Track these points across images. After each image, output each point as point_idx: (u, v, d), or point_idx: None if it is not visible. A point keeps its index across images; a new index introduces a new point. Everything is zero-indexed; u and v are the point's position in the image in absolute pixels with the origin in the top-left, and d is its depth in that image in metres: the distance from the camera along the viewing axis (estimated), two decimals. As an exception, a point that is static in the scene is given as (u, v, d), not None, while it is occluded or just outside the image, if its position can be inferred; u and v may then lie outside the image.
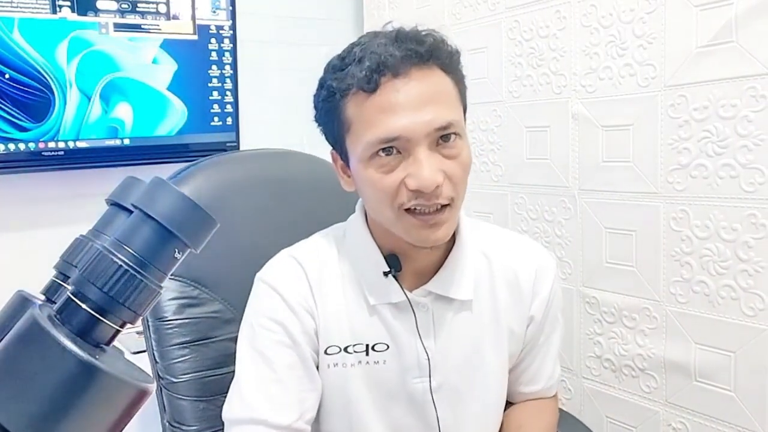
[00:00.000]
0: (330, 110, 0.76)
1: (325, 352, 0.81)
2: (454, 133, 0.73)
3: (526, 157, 1.32)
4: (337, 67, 0.75)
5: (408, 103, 0.70)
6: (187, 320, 0.93)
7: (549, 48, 1.24)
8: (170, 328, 0.92)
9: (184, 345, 0.92)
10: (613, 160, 1.14)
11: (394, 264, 0.79)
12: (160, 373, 0.93)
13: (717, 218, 1.00)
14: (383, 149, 0.71)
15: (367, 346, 0.81)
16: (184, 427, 0.91)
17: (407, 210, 0.73)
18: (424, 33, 0.75)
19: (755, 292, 0.96)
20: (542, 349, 0.89)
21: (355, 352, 0.81)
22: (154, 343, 0.93)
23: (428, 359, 0.80)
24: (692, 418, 1.06)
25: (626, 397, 1.17)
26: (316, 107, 0.80)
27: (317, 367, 0.81)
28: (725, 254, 0.99)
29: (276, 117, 1.80)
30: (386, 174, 0.72)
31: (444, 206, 0.73)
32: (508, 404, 0.92)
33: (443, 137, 0.72)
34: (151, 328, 0.94)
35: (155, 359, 0.93)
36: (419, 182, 0.70)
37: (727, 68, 0.97)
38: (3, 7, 1.29)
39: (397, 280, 0.80)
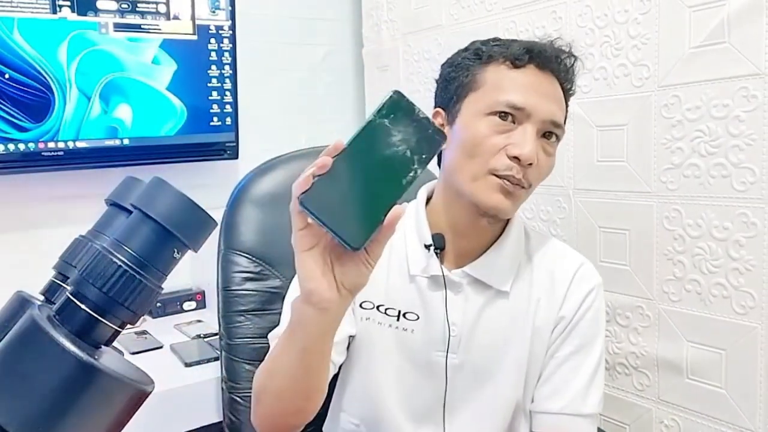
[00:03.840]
0: (465, 68, 0.85)
1: (360, 306, 0.89)
2: (557, 137, 0.83)
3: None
4: (488, 41, 0.86)
5: (543, 90, 0.81)
6: (247, 291, 1.07)
7: (544, 48, 1.25)
8: (233, 296, 1.07)
9: (242, 313, 1.06)
10: (607, 159, 1.15)
11: (438, 241, 0.86)
12: (221, 336, 1.08)
13: (709, 217, 1.00)
14: (503, 113, 0.80)
15: (399, 312, 0.87)
16: (234, 385, 1.05)
17: (493, 175, 0.80)
18: (571, 55, 0.86)
19: (746, 290, 0.97)
20: (570, 361, 0.86)
21: (387, 314, 0.88)
22: (220, 308, 1.08)
23: (449, 336, 0.85)
24: (684, 415, 1.07)
25: (619, 394, 1.18)
26: (449, 65, 0.88)
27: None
28: (717, 253, 1.00)
29: (276, 117, 1.80)
30: (495, 134, 0.80)
31: (522, 187, 0.81)
32: None
33: (547, 134, 0.82)
34: (219, 295, 1.08)
35: (220, 322, 1.08)
36: (521, 151, 0.78)
37: (720, 69, 0.97)
38: (3, 7, 1.29)
39: (438, 256, 0.85)
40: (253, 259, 1.08)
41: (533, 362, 0.88)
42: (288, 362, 0.70)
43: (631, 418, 1.16)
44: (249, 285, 1.07)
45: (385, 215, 0.55)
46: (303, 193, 0.54)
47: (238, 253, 1.08)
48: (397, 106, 0.55)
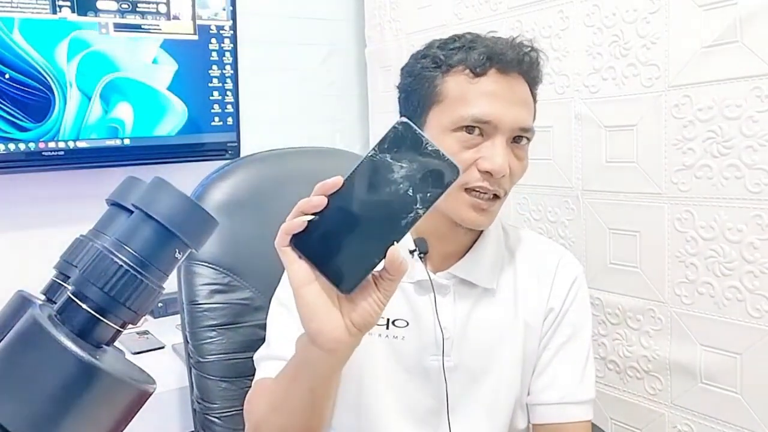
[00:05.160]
0: (425, 78, 0.81)
1: None
2: (527, 139, 0.82)
3: (530, 157, 1.31)
4: (446, 45, 0.82)
5: (507, 97, 0.79)
6: (216, 305, 1.00)
7: (552, 48, 1.24)
8: (201, 311, 1.00)
9: (212, 328, 1.00)
10: (616, 160, 1.14)
11: (421, 246, 0.84)
12: (190, 353, 1.01)
13: (722, 219, 0.99)
14: (469, 127, 0.78)
15: (388, 320, 0.86)
16: (207, 404, 1.00)
17: (466, 189, 0.79)
18: (533, 49, 0.83)
19: (761, 293, 0.95)
20: (563, 351, 0.88)
21: (375, 324, 0.84)
22: (187, 324, 1.01)
23: (443, 338, 0.84)
24: (698, 420, 1.05)
25: (631, 398, 1.16)
26: (409, 74, 0.85)
27: None
28: (731, 255, 0.98)
29: (276, 117, 1.80)
30: (464, 149, 0.78)
31: (496, 197, 0.80)
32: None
33: (517, 138, 0.80)
34: (185, 310, 1.01)
35: (187, 339, 1.01)
36: (492, 165, 0.77)
37: (732, 68, 0.96)
38: (3, 7, 1.29)
39: (422, 260, 0.84)
40: (220, 269, 1.02)
41: (528, 356, 0.88)
42: (293, 401, 0.69)
43: (643, 422, 1.15)
44: (218, 298, 1.00)
45: (381, 258, 0.53)
46: (296, 234, 0.53)
47: (202, 264, 1.01)
48: (402, 139, 0.52)
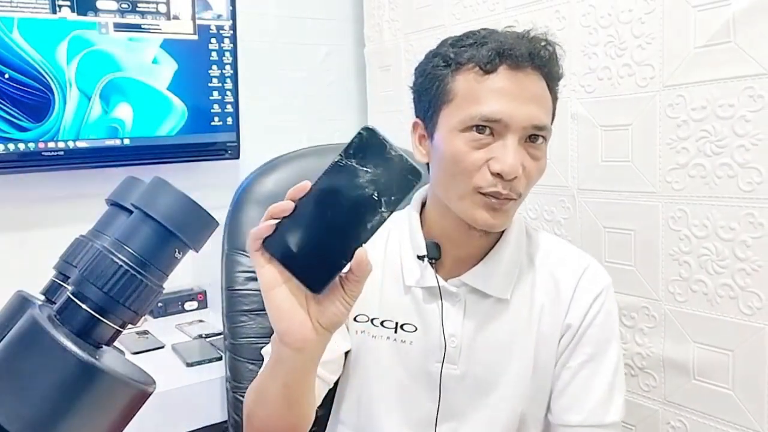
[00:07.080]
0: (436, 78, 0.79)
1: (354, 319, 0.87)
2: (543, 137, 0.78)
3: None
4: (458, 42, 0.79)
5: (518, 94, 0.75)
6: (249, 291, 1.08)
7: (548, 48, 1.24)
8: (237, 296, 1.08)
9: (245, 312, 1.07)
10: (611, 159, 1.14)
11: (433, 251, 0.83)
12: (226, 335, 1.09)
13: (715, 217, 1.00)
14: (479, 126, 0.75)
15: (397, 324, 0.85)
16: (237, 384, 1.07)
17: (479, 193, 0.76)
18: (548, 43, 0.79)
19: (753, 290, 0.96)
20: (585, 370, 0.83)
21: (383, 326, 0.85)
22: (224, 308, 1.09)
23: (445, 347, 0.83)
24: (691, 417, 1.06)
25: (625, 395, 1.17)
26: (421, 74, 0.83)
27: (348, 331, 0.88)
28: (723, 253, 0.99)
29: (276, 117, 1.80)
30: (474, 150, 0.75)
31: (511, 199, 0.76)
32: None
33: (532, 137, 0.77)
34: (224, 295, 1.09)
35: (224, 322, 1.09)
36: (503, 167, 0.73)
37: (725, 68, 0.96)
38: (3, 7, 1.29)
39: (433, 266, 0.83)
40: None
41: (539, 370, 0.84)
42: (272, 394, 0.70)
43: (638, 419, 1.15)
44: (252, 285, 1.08)
45: (348, 260, 0.54)
46: (267, 238, 0.55)
47: (241, 253, 1.09)
48: (367, 145, 0.54)
